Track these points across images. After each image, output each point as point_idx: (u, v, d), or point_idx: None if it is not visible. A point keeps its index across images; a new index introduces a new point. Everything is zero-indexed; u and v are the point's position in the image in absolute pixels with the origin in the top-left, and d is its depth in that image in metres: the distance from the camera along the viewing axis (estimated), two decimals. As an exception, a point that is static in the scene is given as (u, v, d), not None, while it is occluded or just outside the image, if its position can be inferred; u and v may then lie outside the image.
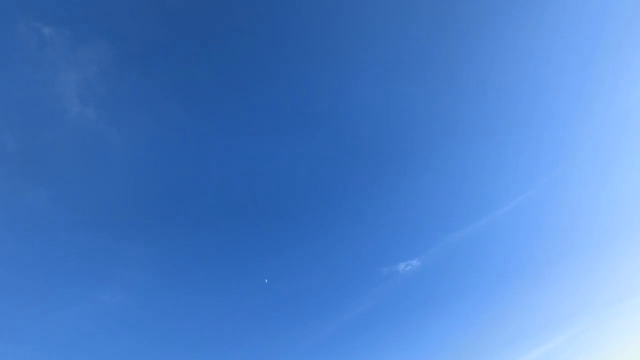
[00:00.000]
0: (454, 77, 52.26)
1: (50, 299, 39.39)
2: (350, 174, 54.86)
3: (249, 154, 50.08)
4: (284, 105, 49.56)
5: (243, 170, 50.42)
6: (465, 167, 56.87)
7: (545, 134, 56.27)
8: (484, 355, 53.86)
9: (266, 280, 53.51)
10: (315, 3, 45.39)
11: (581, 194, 57.43)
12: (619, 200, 55.78)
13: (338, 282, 55.24)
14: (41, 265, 38.58)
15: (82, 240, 40.39)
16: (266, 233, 53.08)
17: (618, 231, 55.64)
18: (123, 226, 43.01)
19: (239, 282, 51.18)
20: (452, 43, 49.99)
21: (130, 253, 43.88)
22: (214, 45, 43.64)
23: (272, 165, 51.68)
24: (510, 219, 57.42)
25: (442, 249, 57.11)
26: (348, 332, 53.57)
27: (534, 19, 49.78)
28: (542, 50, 51.96)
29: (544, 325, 54.99)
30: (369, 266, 56.47)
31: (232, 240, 51.06)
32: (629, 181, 55.22)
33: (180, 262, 47.43)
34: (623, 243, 55.32)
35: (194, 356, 45.51)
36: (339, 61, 49.06)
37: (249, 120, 48.53)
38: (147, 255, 45.05)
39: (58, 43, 34.55)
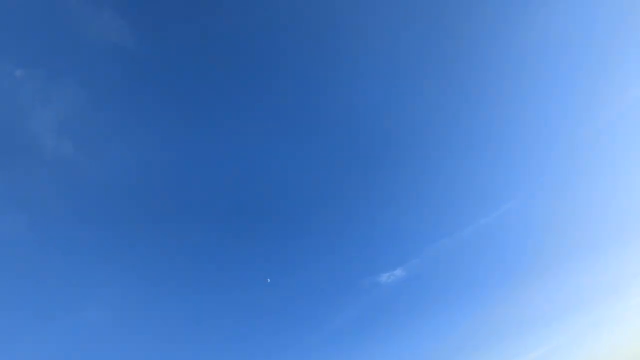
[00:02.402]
0: (439, 91, 52.91)
1: (32, 316, 40.25)
2: (339, 182, 55.24)
3: (228, 164, 50.80)
4: (269, 110, 50.28)
5: (224, 179, 51.02)
6: (448, 176, 57.19)
7: (530, 144, 56.80)
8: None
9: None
10: (316, 5, 46.40)
11: (565, 202, 57.85)
12: (602, 209, 56.63)
13: (321, 292, 54.86)
14: (23, 285, 39.64)
15: (62, 260, 41.55)
16: (249, 242, 53.14)
17: (602, 238, 56.18)
18: (105, 242, 44.15)
19: (219, 294, 51.36)
20: (449, 48, 50.93)
21: (113, 269, 44.74)
22: (203, 54, 45.06)
23: (257, 173, 52.16)
24: (494, 227, 57.16)
25: (426, 258, 56.60)
26: (331, 341, 52.75)
27: (531, 22, 50.80)
28: (535, 58, 52.81)
29: (531, 333, 54.67)
30: (353, 276, 56.02)
31: (212, 253, 51.34)
32: (614, 188, 55.98)
33: (162, 278, 48.11)
34: (608, 249, 55.67)
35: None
36: (334, 65, 49.86)
37: (234, 128, 49.49)
38: (130, 270, 45.89)
39: (30, 83, 36.74)
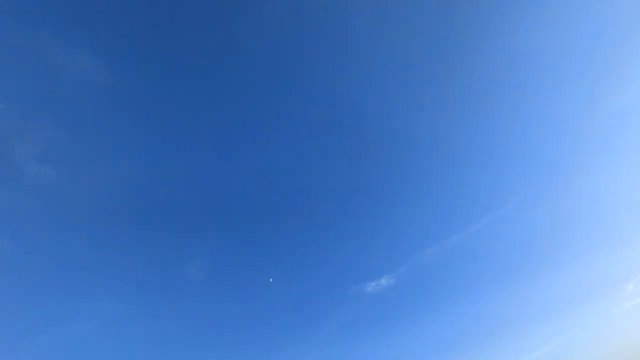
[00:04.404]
0: (427, 100, 52.71)
1: (20, 330, 41.23)
2: (332, 190, 55.69)
3: (210, 180, 51.35)
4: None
5: (205, 193, 51.55)
6: (436, 184, 57.42)
7: (522, 148, 56.65)
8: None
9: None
10: (319, 5, 46.16)
11: (557, 208, 58.09)
12: (585, 219, 57.49)
13: (307, 302, 55.05)
14: (12, 300, 40.95)
15: (49, 275, 42.93)
16: (237, 251, 53.68)
17: (586, 247, 56.97)
18: (92, 256, 45.27)
19: (207, 304, 52.14)
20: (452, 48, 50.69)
21: (100, 282, 45.89)
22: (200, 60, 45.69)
23: (244, 185, 52.86)
24: (483, 234, 57.33)
25: (413, 267, 56.54)
26: (318, 349, 52.92)
27: (528, 22, 50.31)
28: (530, 60, 52.45)
29: (520, 339, 55.00)
30: (341, 285, 56.04)
31: (197, 264, 52.03)
32: (609, 189, 56.34)
33: (148, 290, 49.11)
34: (591, 258, 56.58)
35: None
36: (326, 70, 49.79)
37: (217, 144, 50.21)
38: (117, 283, 46.96)
39: (8, 116, 38.23)
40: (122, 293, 46.89)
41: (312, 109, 52.30)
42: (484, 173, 57.35)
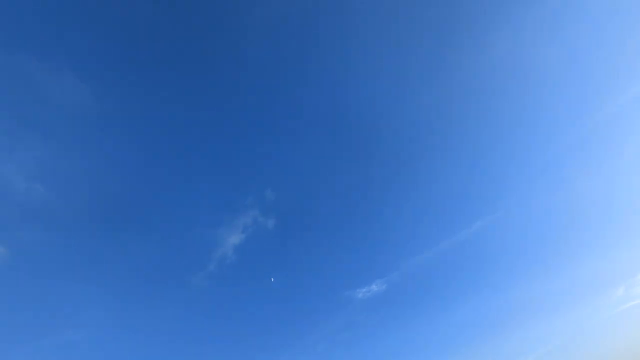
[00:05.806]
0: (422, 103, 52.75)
1: (12, 339, 41.68)
2: (322, 196, 56.16)
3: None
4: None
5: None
6: (427, 190, 57.56)
7: (507, 160, 56.77)
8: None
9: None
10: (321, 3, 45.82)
11: (542, 216, 58.51)
12: (576, 223, 57.48)
13: (300, 307, 55.42)
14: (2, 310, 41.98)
15: (39, 284, 43.40)
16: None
17: (577, 251, 57.28)
18: (81, 265, 45.82)
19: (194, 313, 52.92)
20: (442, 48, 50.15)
21: (90, 291, 46.26)
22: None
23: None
24: (472, 240, 57.43)
25: (405, 271, 56.61)
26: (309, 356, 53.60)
27: (527, 20, 49.65)
28: (530, 57, 51.71)
29: (514, 342, 55.71)
30: (332, 291, 56.42)
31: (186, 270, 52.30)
32: (586, 202, 56.61)
33: (137, 298, 49.56)
34: (581, 262, 56.91)
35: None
36: (322, 64, 49.30)
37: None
38: (106, 292, 47.37)
39: None
40: (113, 302, 47.55)
41: (306, 117, 52.80)
42: (475, 177, 57.63)
